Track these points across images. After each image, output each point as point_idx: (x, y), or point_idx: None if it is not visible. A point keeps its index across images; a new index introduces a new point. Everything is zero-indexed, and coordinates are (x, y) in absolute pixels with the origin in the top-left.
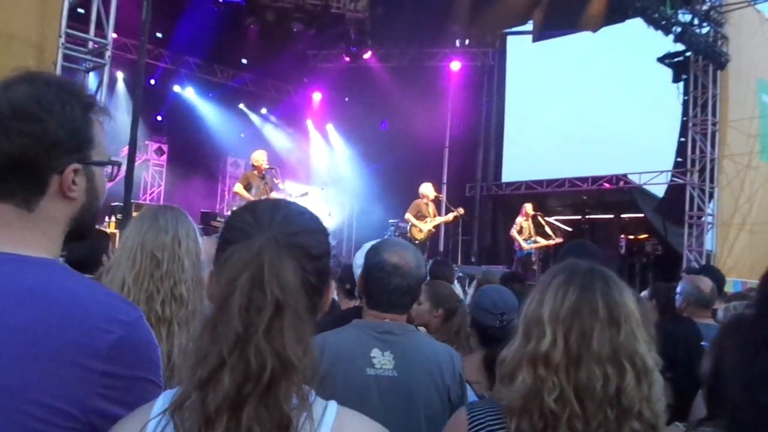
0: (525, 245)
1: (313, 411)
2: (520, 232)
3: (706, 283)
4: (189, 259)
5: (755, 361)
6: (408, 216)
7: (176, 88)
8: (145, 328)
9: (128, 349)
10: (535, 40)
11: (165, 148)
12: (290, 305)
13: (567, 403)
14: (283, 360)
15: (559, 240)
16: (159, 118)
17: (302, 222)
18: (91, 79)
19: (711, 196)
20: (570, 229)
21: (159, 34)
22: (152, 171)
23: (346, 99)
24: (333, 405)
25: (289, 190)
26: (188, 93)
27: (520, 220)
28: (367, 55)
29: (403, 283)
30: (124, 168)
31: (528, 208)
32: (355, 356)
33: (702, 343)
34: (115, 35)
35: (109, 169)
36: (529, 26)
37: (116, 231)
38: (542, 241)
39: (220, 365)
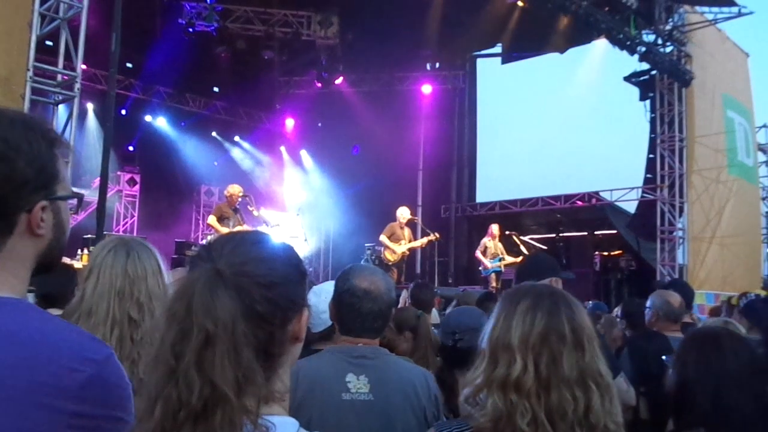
0: (489, 264)
1: None
2: (484, 252)
3: (675, 298)
4: (159, 305)
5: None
6: (382, 238)
7: (148, 118)
8: (116, 366)
9: (99, 388)
10: (504, 62)
11: (137, 178)
12: (221, 336)
13: (539, 426)
14: (215, 388)
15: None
16: (131, 148)
17: (253, 251)
18: (61, 112)
19: (681, 210)
20: (545, 248)
21: (129, 65)
22: (125, 202)
23: (319, 125)
24: None
25: (265, 217)
26: (160, 122)
27: (485, 240)
28: (339, 81)
29: (375, 308)
30: (95, 199)
31: (494, 228)
32: (330, 382)
33: (663, 357)
34: (84, 66)
35: (72, 201)
36: (497, 49)
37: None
38: (509, 259)
39: (156, 397)
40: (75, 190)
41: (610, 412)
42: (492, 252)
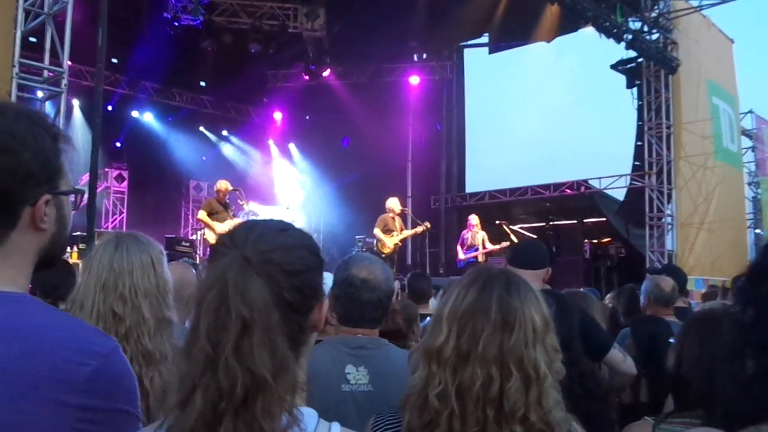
0: (462, 256)
1: None
2: (462, 244)
3: (667, 282)
4: (148, 301)
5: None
6: (376, 231)
7: (134, 114)
8: (121, 359)
9: (105, 381)
10: (491, 52)
11: (125, 174)
12: (258, 322)
13: (448, 401)
14: (255, 377)
15: (505, 244)
16: (118, 144)
17: (279, 239)
18: (47, 108)
19: (669, 197)
20: (535, 236)
21: (114, 60)
22: (113, 198)
23: (307, 117)
24: (336, 427)
25: (255, 211)
26: (147, 118)
27: (463, 232)
28: (326, 73)
29: (373, 297)
30: (86, 196)
31: (472, 219)
32: (329, 373)
33: (670, 340)
34: (69, 62)
35: (72, 197)
36: (484, 39)
37: (79, 261)
38: (490, 247)
39: (193, 387)
40: (77, 187)
41: (538, 404)
42: (469, 243)
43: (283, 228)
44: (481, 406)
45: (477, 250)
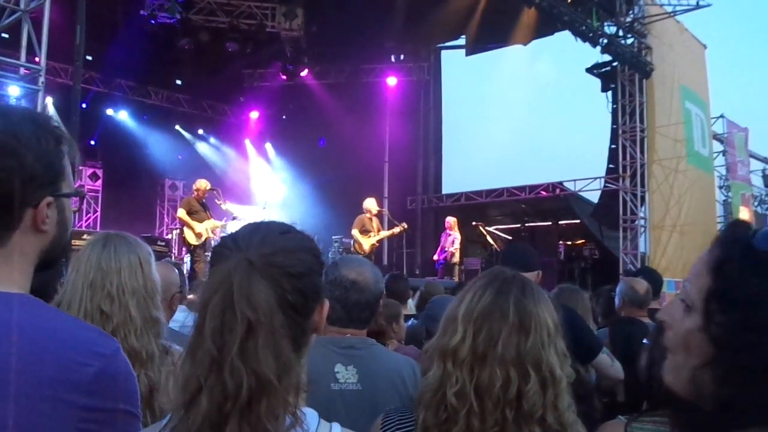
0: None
1: None
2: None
3: (641, 284)
4: (135, 300)
5: None
6: (354, 232)
7: (109, 112)
8: (123, 360)
9: (108, 381)
10: (468, 54)
11: (100, 173)
12: (263, 324)
13: (466, 399)
14: (260, 378)
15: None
16: (92, 142)
17: (281, 242)
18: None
19: (643, 200)
20: (510, 238)
21: (89, 57)
22: (87, 197)
23: (284, 117)
24: (337, 427)
25: (231, 211)
26: (122, 116)
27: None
28: (304, 73)
29: (362, 299)
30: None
31: (447, 221)
32: (319, 372)
33: (644, 341)
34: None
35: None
36: (462, 41)
37: None
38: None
39: (198, 388)
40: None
41: (554, 406)
42: (441, 245)
43: (285, 230)
44: (501, 406)
45: (445, 252)
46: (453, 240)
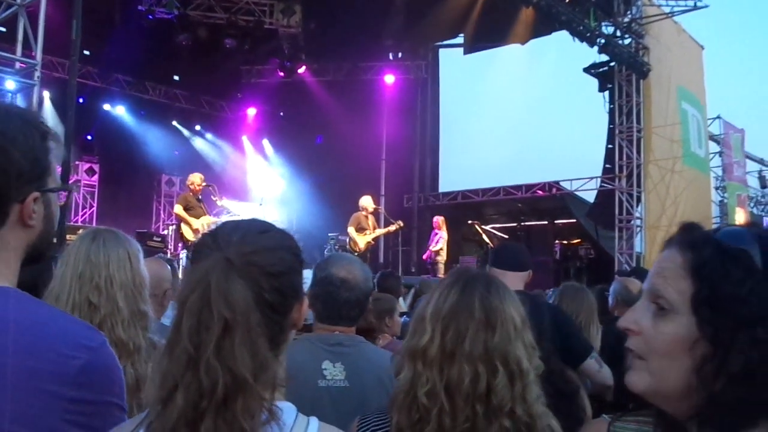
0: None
1: (294, 428)
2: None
3: (635, 284)
4: (123, 293)
5: None
6: (350, 230)
7: (106, 107)
8: (109, 353)
9: (94, 374)
10: (466, 52)
11: (96, 168)
12: (240, 323)
13: (437, 398)
14: (235, 376)
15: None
16: (89, 137)
17: (261, 241)
18: (19, 101)
19: (639, 200)
20: (507, 236)
21: (87, 52)
22: (83, 192)
23: (281, 114)
24: (314, 421)
25: (228, 207)
26: (119, 111)
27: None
28: (302, 70)
29: (352, 297)
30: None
31: (436, 220)
32: (306, 369)
33: None
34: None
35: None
36: (460, 39)
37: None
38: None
39: (175, 386)
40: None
41: (522, 398)
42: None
43: (264, 229)
44: (471, 402)
45: (428, 249)
46: (438, 239)
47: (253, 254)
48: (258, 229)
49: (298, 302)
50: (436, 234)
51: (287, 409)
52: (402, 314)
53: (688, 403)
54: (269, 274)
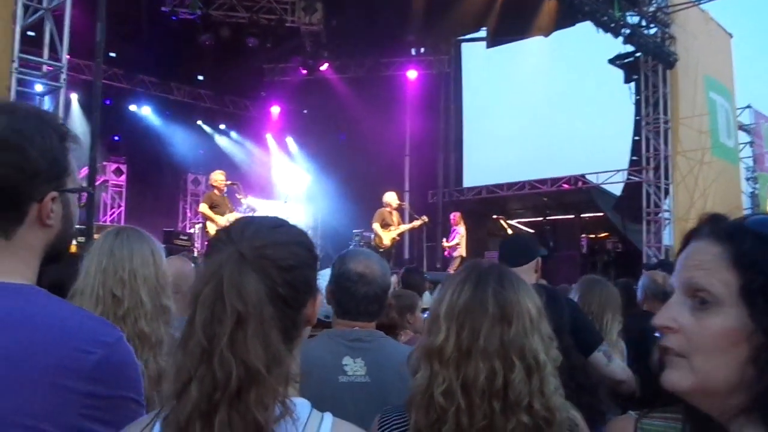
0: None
1: (308, 424)
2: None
3: (660, 277)
4: (146, 287)
5: None
6: (375, 226)
7: (132, 108)
8: (126, 348)
9: (111, 369)
10: (489, 46)
11: (124, 168)
12: (252, 316)
13: (454, 398)
14: (248, 368)
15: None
16: (116, 138)
17: (273, 235)
18: (46, 103)
19: (666, 192)
20: (532, 231)
21: (112, 54)
22: (111, 192)
23: (305, 111)
24: (329, 417)
25: (253, 205)
26: (145, 111)
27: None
28: (324, 67)
29: (370, 292)
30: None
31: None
32: (327, 365)
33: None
34: (68, 57)
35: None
36: (482, 33)
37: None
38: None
39: (189, 378)
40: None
41: (540, 392)
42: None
43: (277, 224)
44: (487, 399)
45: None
46: (454, 235)
47: (265, 248)
48: (271, 224)
49: (311, 297)
50: (454, 230)
51: (301, 404)
52: (424, 310)
53: (736, 400)
54: (281, 267)
